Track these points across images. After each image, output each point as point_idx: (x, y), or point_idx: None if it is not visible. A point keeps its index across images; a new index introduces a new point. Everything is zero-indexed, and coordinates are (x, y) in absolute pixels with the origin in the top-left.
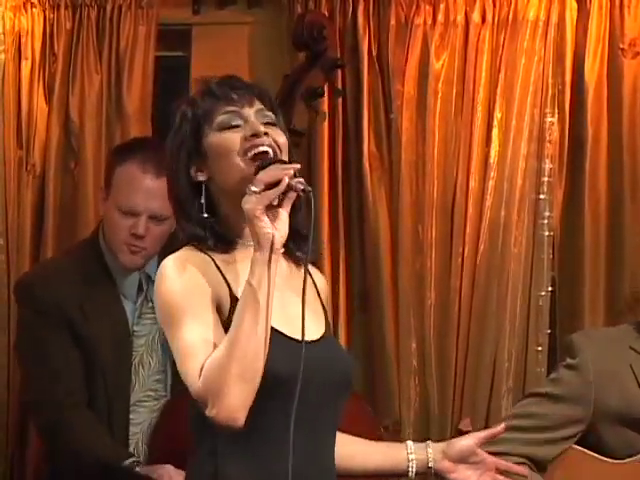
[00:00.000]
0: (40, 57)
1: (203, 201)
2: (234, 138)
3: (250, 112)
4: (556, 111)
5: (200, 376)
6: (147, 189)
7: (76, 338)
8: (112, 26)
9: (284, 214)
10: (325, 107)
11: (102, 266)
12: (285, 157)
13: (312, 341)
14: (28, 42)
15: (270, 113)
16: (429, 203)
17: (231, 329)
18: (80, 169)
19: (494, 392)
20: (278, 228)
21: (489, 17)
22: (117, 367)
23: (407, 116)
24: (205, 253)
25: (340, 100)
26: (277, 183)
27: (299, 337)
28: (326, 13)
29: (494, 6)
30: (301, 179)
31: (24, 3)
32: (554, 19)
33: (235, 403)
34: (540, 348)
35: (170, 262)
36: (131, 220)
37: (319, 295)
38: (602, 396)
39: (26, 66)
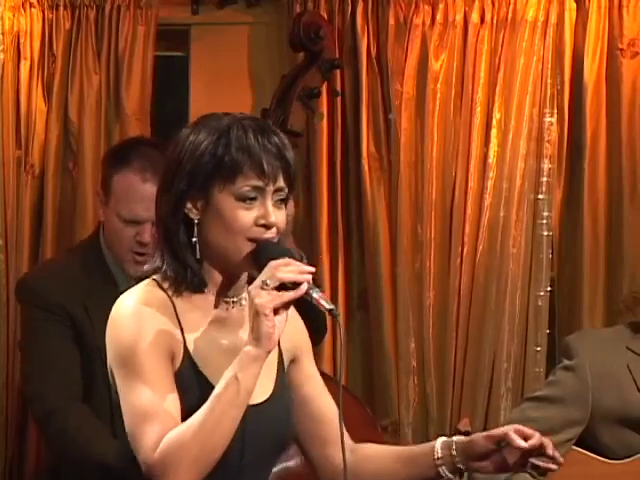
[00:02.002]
0: (39, 57)
1: (195, 241)
2: (245, 217)
3: (270, 190)
4: (555, 111)
5: (157, 448)
6: (149, 197)
7: (79, 337)
8: (111, 26)
9: (286, 314)
10: (324, 107)
11: (103, 267)
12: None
13: (255, 405)
14: (27, 42)
15: (286, 189)
16: (428, 203)
17: (204, 412)
18: (79, 169)
19: (493, 392)
20: (279, 328)
21: (488, 17)
22: None
23: (406, 116)
24: (165, 293)
25: (339, 100)
26: (293, 284)
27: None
28: (325, 13)
29: (493, 6)
30: (322, 293)
31: (23, 3)
32: (553, 19)
33: None
34: (539, 348)
35: (130, 306)
36: (135, 228)
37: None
38: (599, 397)
39: (25, 66)
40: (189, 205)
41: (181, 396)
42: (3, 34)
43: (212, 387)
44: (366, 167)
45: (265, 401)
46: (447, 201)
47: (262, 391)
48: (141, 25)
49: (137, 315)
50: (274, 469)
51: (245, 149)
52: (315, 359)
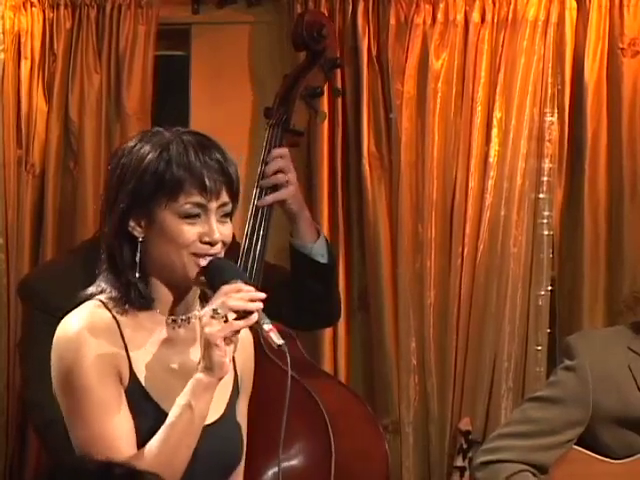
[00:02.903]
0: (40, 57)
1: (138, 261)
2: (189, 233)
3: (213, 207)
4: (556, 110)
5: None
6: None
7: None
8: (112, 25)
9: (236, 339)
10: (325, 107)
11: None
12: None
13: (207, 425)
14: (28, 42)
15: (230, 204)
16: (429, 202)
17: (158, 442)
18: (80, 169)
19: (494, 391)
20: (230, 352)
21: (489, 17)
22: None
23: (407, 116)
24: (110, 312)
25: (340, 100)
26: (243, 313)
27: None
28: (326, 12)
29: (494, 6)
30: (272, 326)
31: (24, 2)
32: (554, 19)
33: None
34: (540, 348)
35: (72, 329)
36: None
37: (234, 364)
38: (600, 397)
39: (26, 66)
40: (132, 223)
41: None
42: (4, 33)
43: (159, 407)
44: (367, 166)
45: (216, 421)
46: (448, 201)
47: (214, 411)
48: (142, 24)
49: (80, 338)
50: (274, 469)
51: (185, 166)
52: (315, 358)
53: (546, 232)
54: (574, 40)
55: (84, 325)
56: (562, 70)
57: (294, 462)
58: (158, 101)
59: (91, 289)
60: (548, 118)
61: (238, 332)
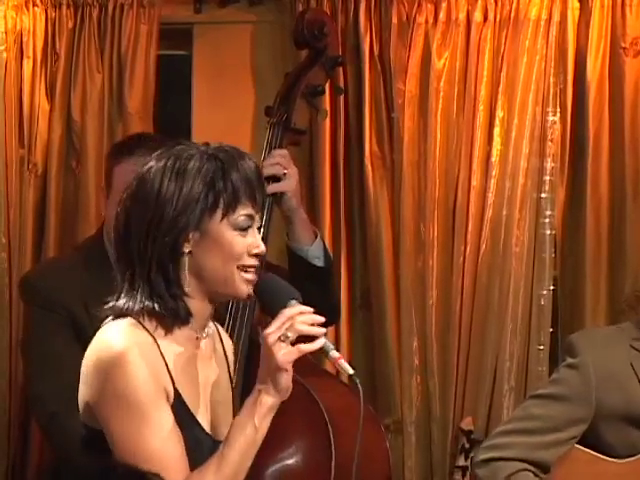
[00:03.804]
0: (42, 56)
1: (187, 274)
2: (240, 245)
3: (257, 219)
4: (558, 110)
5: None
6: None
7: (79, 337)
8: (114, 25)
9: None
10: (327, 106)
11: (106, 265)
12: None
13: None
14: (30, 41)
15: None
16: (431, 202)
17: (223, 460)
18: (82, 168)
19: (496, 391)
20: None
21: (491, 16)
22: None
23: (409, 115)
24: (147, 331)
25: (342, 99)
26: (310, 337)
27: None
28: (328, 11)
29: (496, 5)
30: (339, 353)
31: (26, 2)
32: (556, 18)
33: None
34: (542, 347)
35: (122, 347)
36: None
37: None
38: (603, 395)
39: (28, 65)
40: (181, 239)
41: None
42: (6, 33)
43: (198, 422)
44: (369, 166)
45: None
46: (450, 200)
47: (224, 429)
48: (144, 24)
49: (128, 356)
50: (272, 468)
51: (242, 177)
52: (317, 357)
53: (548, 231)
54: (576, 39)
55: (130, 343)
56: (564, 69)
57: (294, 462)
58: (160, 101)
59: (125, 303)
60: (550, 117)
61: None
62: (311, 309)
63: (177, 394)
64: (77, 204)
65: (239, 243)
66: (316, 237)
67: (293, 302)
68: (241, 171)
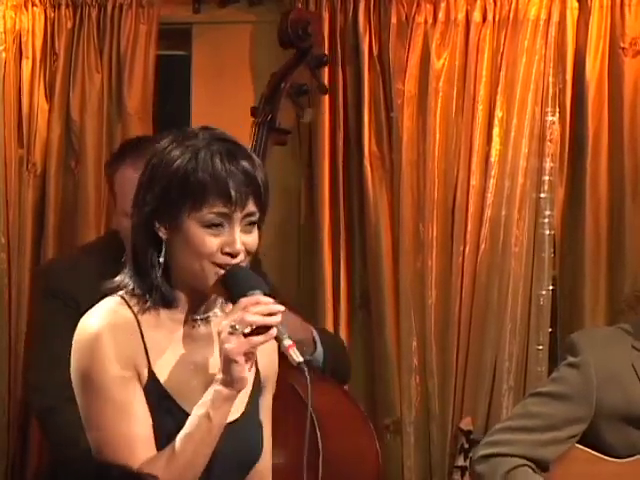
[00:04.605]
0: (41, 56)
1: (162, 260)
2: (211, 243)
3: (238, 217)
4: (557, 110)
5: None
6: None
7: None
8: (113, 25)
9: (255, 354)
10: (325, 106)
11: (121, 265)
12: (248, 258)
13: (228, 423)
14: (29, 41)
15: (257, 214)
16: (430, 202)
17: (176, 451)
18: (81, 168)
19: (495, 391)
20: (251, 364)
21: (490, 16)
22: None
23: (408, 115)
24: (131, 310)
25: (341, 99)
26: (262, 327)
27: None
28: (327, 12)
29: (495, 5)
30: (291, 342)
31: (25, 2)
32: (555, 18)
33: None
34: (541, 347)
35: (92, 328)
36: None
37: (256, 362)
38: (604, 395)
39: (27, 65)
40: (158, 224)
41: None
42: (5, 33)
43: (178, 406)
44: (368, 166)
45: (237, 420)
46: (449, 200)
47: (234, 409)
48: (143, 24)
49: (99, 340)
50: None
51: (210, 175)
52: None
53: (547, 231)
54: (575, 39)
55: (104, 324)
56: (563, 69)
57: (280, 462)
58: (159, 101)
59: (117, 280)
60: (549, 117)
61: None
62: (270, 299)
63: (152, 376)
64: (76, 204)
65: (208, 241)
66: (315, 344)
67: (251, 292)
68: (214, 170)
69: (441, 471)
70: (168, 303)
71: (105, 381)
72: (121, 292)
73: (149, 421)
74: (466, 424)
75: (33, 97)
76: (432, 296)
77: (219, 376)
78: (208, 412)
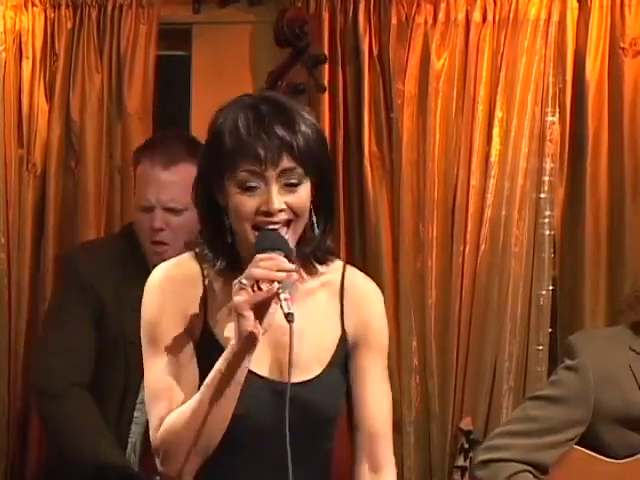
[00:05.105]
0: (41, 56)
1: (228, 224)
2: (248, 205)
3: (273, 175)
4: (557, 110)
5: (159, 429)
6: (156, 181)
7: (104, 322)
8: (113, 25)
9: (273, 308)
10: (325, 106)
11: (139, 257)
12: (304, 218)
13: (298, 383)
14: (29, 41)
15: (297, 170)
16: (430, 202)
17: (194, 403)
18: (81, 168)
19: (495, 391)
20: (264, 324)
21: (490, 16)
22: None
23: (408, 115)
24: (200, 266)
25: (341, 99)
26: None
27: (291, 379)
28: (327, 12)
29: (495, 5)
30: (288, 295)
31: (25, 2)
32: (555, 18)
33: (183, 470)
34: (541, 347)
35: (156, 279)
36: (149, 215)
37: (342, 324)
38: (602, 397)
39: (27, 65)
40: (215, 191)
41: (200, 368)
42: (5, 33)
43: None
44: (368, 166)
45: (305, 382)
46: (449, 200)
47: (304, 371)
48: (143, 24)
49: (160, 288)
50: None
51: (239, 135)
52: None
53: (547, 231)
54: (575, 39)
55: (166, 275)
56: (563, 69)
57: None
58: (159, 101)
59: (199, 237)
60: (549, 117)
61: (269, 303)
62: (284, 259)
63: (207, 328)
64: (76, 204)
65: (244, 203)
66: None
67: (271, 251)
68: (247, 128)
69: (441, 471)
70: (233, 266)
71: (156, 329)
72: (197, 249)
73: (195, 376)
74: (466, 424)
75: (33, 97)
76: (432, 296)
77: (234, 332)
78: (220, 367)
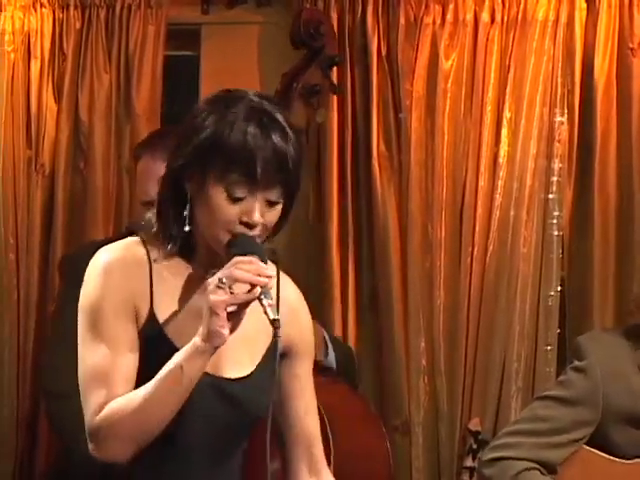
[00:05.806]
0: (49, 57)
1: (186, 214)
2: (231, 213)
3: (260, 197)
4: (565, 111)
5: (98, 414)
6: (157, 176)
7: None
8: (121, 26)
9: (243, 314)
10: (334, 106)
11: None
12: (265, 233)
13: (232, 379)
14: (37, 42)
15: (279, 190)
16: (438, 202)
17: (145, 393)
18: (89, 169)
19: (503, 392)
20: (232, 327)
21: (498, 17)
22: None
23: (416, 116)
24: (146, 251)
25: (349, 100)
26: (250, 286)
27: (223, 374)
28: (335, 12)
29: (503, 6)
30: (271, 301)
31: (33, 3)
32: (563, 19)
33: (118, 454)
34: (549, 348)
35: (102, 262)
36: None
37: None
38: (610, 398)
39: (35, 66)
40: (185, 178)
41: (142, 356)
42: (13, 33)
43: (175, 348)
44: (376, 166)
45: (237, 379)
46: (457, 200)
47: (239, 367)
48: (151, 25)
49: (104, 272)
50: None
51: (240, 149)
52: None
53: (556, 232)
54: (584, 40)
55: (113, 257)
56: (572, 70)
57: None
58: (168, 101)
59: (145, 219)
60: (558, 118)
61: (245, 306)
62: (263, 264)
63: (152, 316)
64: (84, 204)
65: (227, 209)
66: (326, 346)
67: (250, 255)
68: (248, 143)
69: (449, 472)
70: (185, 254)
71: (98, 313)
72: (142, 233)
73: (136, 363)
74: (474, 425)
75: (41, 98)
76: (440, 297)
77: (200, 329)
78: (181, 362)
